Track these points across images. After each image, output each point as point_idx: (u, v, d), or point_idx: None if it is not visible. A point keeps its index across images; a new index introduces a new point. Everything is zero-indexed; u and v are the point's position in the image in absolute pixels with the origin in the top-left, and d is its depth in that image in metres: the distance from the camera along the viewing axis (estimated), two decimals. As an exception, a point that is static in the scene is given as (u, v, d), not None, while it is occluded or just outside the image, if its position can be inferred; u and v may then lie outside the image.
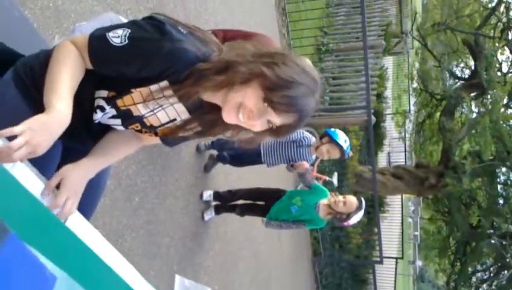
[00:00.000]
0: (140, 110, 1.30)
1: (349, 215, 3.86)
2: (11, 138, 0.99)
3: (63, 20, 2.50)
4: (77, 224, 1.18)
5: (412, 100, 15.13)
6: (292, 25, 7.78)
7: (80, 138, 1.40)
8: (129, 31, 1.17)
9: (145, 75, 1.21)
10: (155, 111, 1.31)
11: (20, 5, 2.21)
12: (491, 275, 11.38)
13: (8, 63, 1.39)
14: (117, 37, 1.17)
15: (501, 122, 8.81)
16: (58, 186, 1.19)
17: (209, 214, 4.32)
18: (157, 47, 1.15)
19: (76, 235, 0.75)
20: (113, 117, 1.35)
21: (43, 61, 1.29)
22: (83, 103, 1.28)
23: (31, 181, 1.09)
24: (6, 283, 0.68)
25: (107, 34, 1.18)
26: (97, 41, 1.20)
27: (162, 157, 3.58)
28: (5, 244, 0.68)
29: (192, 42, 1.19)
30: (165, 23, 1.18)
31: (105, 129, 1.41)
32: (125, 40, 1.16)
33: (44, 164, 1.24)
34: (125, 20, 1.40)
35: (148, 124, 1.35)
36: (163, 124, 1.35)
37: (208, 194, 4.32)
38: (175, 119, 1.34)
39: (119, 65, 1.21)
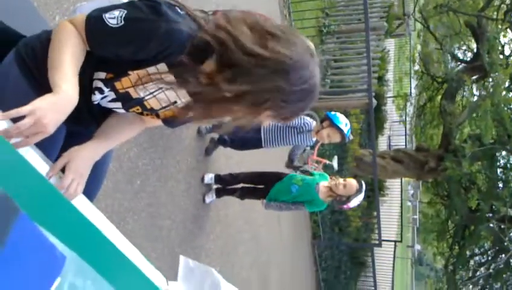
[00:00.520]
0: (139, 92, 1.29)
1: (349, 198, 3.88)
2: (18, 120, 0.98)
3: (63, 0, 2.47)
4: (82, 206, 1.19)
5: (414, 83, 15.08)
6: (293, 6, 7.70)
7: (83, 120, 1.39)
8: (125, 11, 1.16)
9: (142, 57, 1.21)
10: (155, 94, 1.30)
11: (20, -15, 2.18)
12: (489, 258, 11.48)
13: (10, 43, 1.37)
14: (113, 18, 1.16)
15: (502, 105, 8.77)
16: (63, 170, 1.19)
17: (210, 197, 4.33)
18: (153, 28, 1.14)
19: (85, 216, 0.76)
20: (112, 100, 1.34)
21: (45, 42, 1.28)
22: (82, 84, 1.27)
23: (38, 162, 1.09)
24: (17, 262, 0.69)
25: (103, 15, 1.17)
26: (94, 23, 1.19)
27: (163, 140, 3.58)
28: (17, 224, 0.68)
29: (188, 24, 1.18)
30: (161, 4, 1.16)
31: (107, 112, 1.40)
32: (121, 21, 1.15)
33: (47, 147, 1.24)
34: (124, 0, 1.38)
35: (148, 106, 1.34)
36: (164, 107, 1.35)
37: (209, 177, 4.33)
38: (176, 102, 1.33)
39: (116, 47, 1.20)
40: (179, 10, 1.19)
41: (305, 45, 1.18)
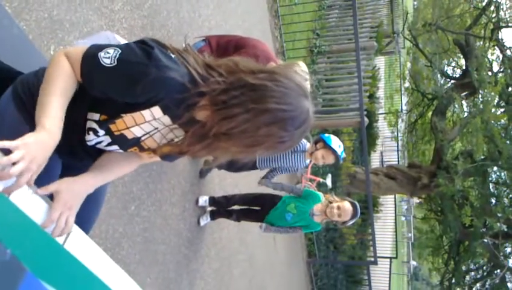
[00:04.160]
0: (135, 133, 1.29)
1: (344, 223, 3.88)
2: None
3: (58, 30, 2.50)
4: (77, 239, 1.18)
5: (404, 100, 15.21)
6: (285, 27, 7.79)
7: (77, 155, 1.40)
8: (119, 52, 1.18)
9: (129, 100, 1.21)
10: (151, 133, 1.30)
11: (16, 17, 2.21)
12: (485, 274, 11.46)
13: (6, 80, 1.39)
14: (107, 58, 1.17)
15: (492, 122, 8.87)
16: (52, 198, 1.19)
17: (205, 220, 4.33)
18: (142, 72, 1.15)
19: (87, 267, 0.76)
20: (109, 145, 1.35)
21: (41, 80, 1.30)
22: (76, 122, 1.29)
23: (36, 208, 1.08)
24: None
25: (98, 54, 1.18)
26: (89, 60, 1.20)
27: (157, 165, 3.58)
28: (23, 285, 0.69)
29: (178, 70, 1.18)
30: (154, 48, 1.17)
31: (103, 149, 1.40)
32: (114, 62, 1.17)
33: (44, 181, 1.25)
34: (121, 39, 1.41)
35: (145, 147, 1.35)
36: (161, 145, 1.35)
37: (203, 200, 4.33)
38: (172, 140, 1.34)
39: (105, 86, 1.21)
40: (171, 54, 1.20)
41: (297, 88, 1.20)
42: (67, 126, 1.19)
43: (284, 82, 1.18)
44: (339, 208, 3.77)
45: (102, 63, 1.17)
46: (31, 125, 1.27)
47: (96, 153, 1.39)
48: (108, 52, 1.18)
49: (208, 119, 1.20)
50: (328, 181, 7.60)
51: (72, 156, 1.39)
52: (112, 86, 1.20)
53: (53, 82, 1.19)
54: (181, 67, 1.19)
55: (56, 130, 1.14)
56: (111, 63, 1.16)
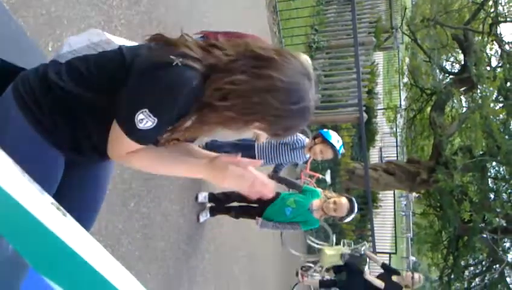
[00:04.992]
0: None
1: (341, 219, 3.91)
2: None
3: (56, 27, 2.49)
4: (77, 236, 1.18)
5: (403, 95, 15.22)
6: (283, 23, 7.79)
7: (88, 154, 1.42)
8: (146, 109, 1.20)
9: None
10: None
11: (14, 13, 2.20)
12: (484, 269, 11.50)
13: (7, 76, 1.38)
14: (146, 122, 1.21)
15: (491, 117, 8.87)
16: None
17: (204, 216, 4.33)
18: (172, 103, 1.22)
19: (89, 263, 0.76)
20: None
21: (42, 77, 1.30)
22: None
23: (38, 204, 1.08)
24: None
25: (137, 127, 1.22)
26: (141, 137, 1.26)
27: (156, 161, 3.58)
28: (26, 281, 0.69)
29: (193, 75, 1.21)
30: (162, 78, 1.21)
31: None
32: (154, 120, 1.21)
33: (44, 179, 1.26)
34: (109, 36, 1.41)
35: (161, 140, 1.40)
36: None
37: (202, 196, 4.33)
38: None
39: (160, 133, 1.29)
40: (180, 59, 1.21)
41: (301, 67, 1.23)
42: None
43: (291, 59, 1.22)
44: (335, 203, 3.85)
45: (148, 127, 1.22)
46: (32, 122, 1.27)
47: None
48: (141, 119, 1.21)
49: (210, 90, 1.23)
50: (327, 177, 7.61)
51: (77, 152, 1.40)
52: (165, 128, 1.28)
53: (164, 168, 1.40)
54: (192, 70, 1.21)
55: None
56: (153, 123, 1.21)
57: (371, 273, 6.11)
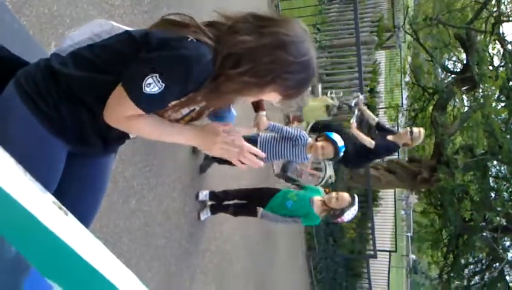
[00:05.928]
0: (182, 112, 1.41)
1: (342, 211, 3.95)
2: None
3: (58, 26, 2.50)
4: (78, 234, 1.19)
5: (405, 94, 15.19)
6: (285, 22, 7.77)
7: (93, 144, 1.44)
8: (157, 74, 1.22)
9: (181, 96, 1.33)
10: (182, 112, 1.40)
11: (16, 12, 2.21)
12: (483, 267, 11.51)
13: (10, 68, 1.39)
14: (153, 86, 1.23)
15: (493, 116, 8.86)
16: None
17: (205, 214, 4.34)
18: (186, 73, 1.24)
19: (90, 262, 0.77)
20: None
21: (44, 70, 1.32)
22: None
23: (38, 204, 1.09)
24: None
25: (144, 91, 1.23)
26: (145, 102, 1.27)
27: (158, 160, 3.60)
28: (27, 282, 0.70)
29: (205, 50, 1.25)
30: (176, 48, 1.24)
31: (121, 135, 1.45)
32: (161, 86, 1.23)
33: (48, 171, 1.34)
34: (114, 24, 1.43)
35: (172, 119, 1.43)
36: (184, 115, 1.43)
37: (203, 194, 4.35)
38: (194, 109, 1.41)
39: (166, 103, 1.31)
40: (192, 40, 1.26)
41: (300, 25, 1.31)
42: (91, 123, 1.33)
43: (288, 18, 1.32)
44: (337, 194, 3.97)
45: (154, 92, 1.23)
46: (36, 115, 1.29)
47: (112, 139, 1.46)
48: (149, 83, 1.23)
49: (221, 59, 1.26)
50: (330, 170, 7.57)
51: (87, 145, 1.42)
52: (170, 99, 1.31)
53: (158, 134, 1.38)
54: (203, 45, 1.25)
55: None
56: (160, 88, 1.23)
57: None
